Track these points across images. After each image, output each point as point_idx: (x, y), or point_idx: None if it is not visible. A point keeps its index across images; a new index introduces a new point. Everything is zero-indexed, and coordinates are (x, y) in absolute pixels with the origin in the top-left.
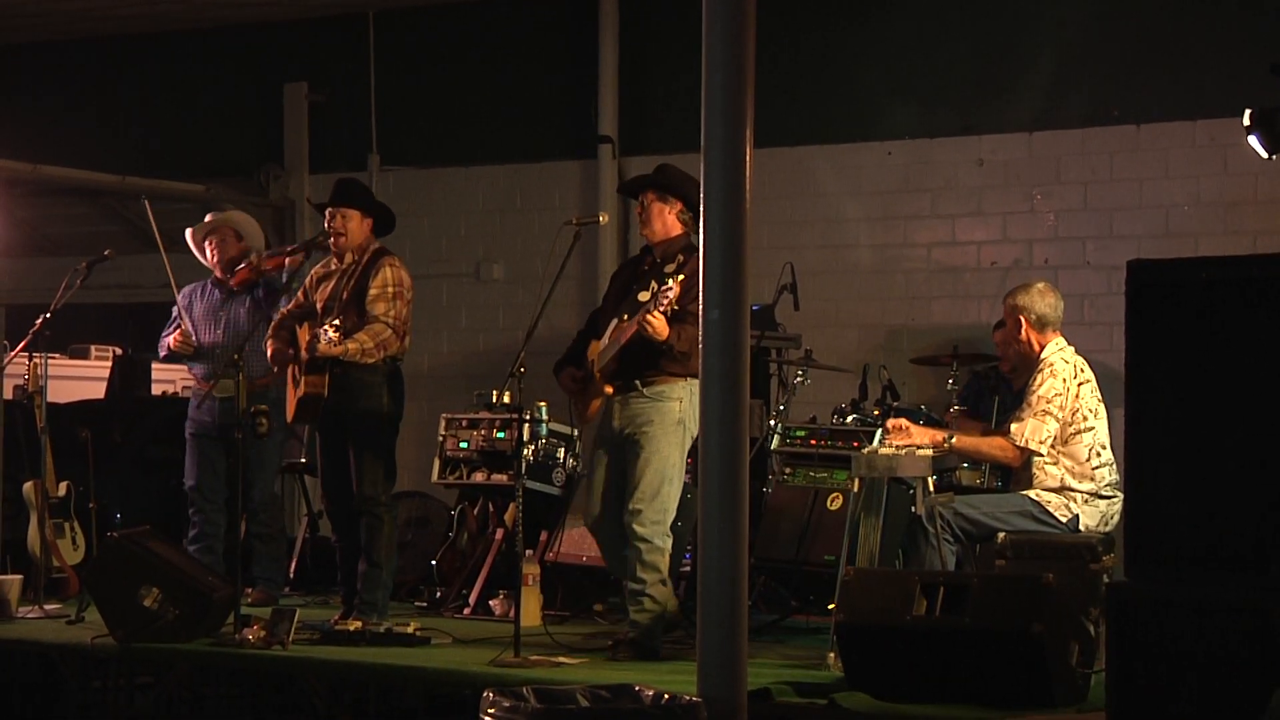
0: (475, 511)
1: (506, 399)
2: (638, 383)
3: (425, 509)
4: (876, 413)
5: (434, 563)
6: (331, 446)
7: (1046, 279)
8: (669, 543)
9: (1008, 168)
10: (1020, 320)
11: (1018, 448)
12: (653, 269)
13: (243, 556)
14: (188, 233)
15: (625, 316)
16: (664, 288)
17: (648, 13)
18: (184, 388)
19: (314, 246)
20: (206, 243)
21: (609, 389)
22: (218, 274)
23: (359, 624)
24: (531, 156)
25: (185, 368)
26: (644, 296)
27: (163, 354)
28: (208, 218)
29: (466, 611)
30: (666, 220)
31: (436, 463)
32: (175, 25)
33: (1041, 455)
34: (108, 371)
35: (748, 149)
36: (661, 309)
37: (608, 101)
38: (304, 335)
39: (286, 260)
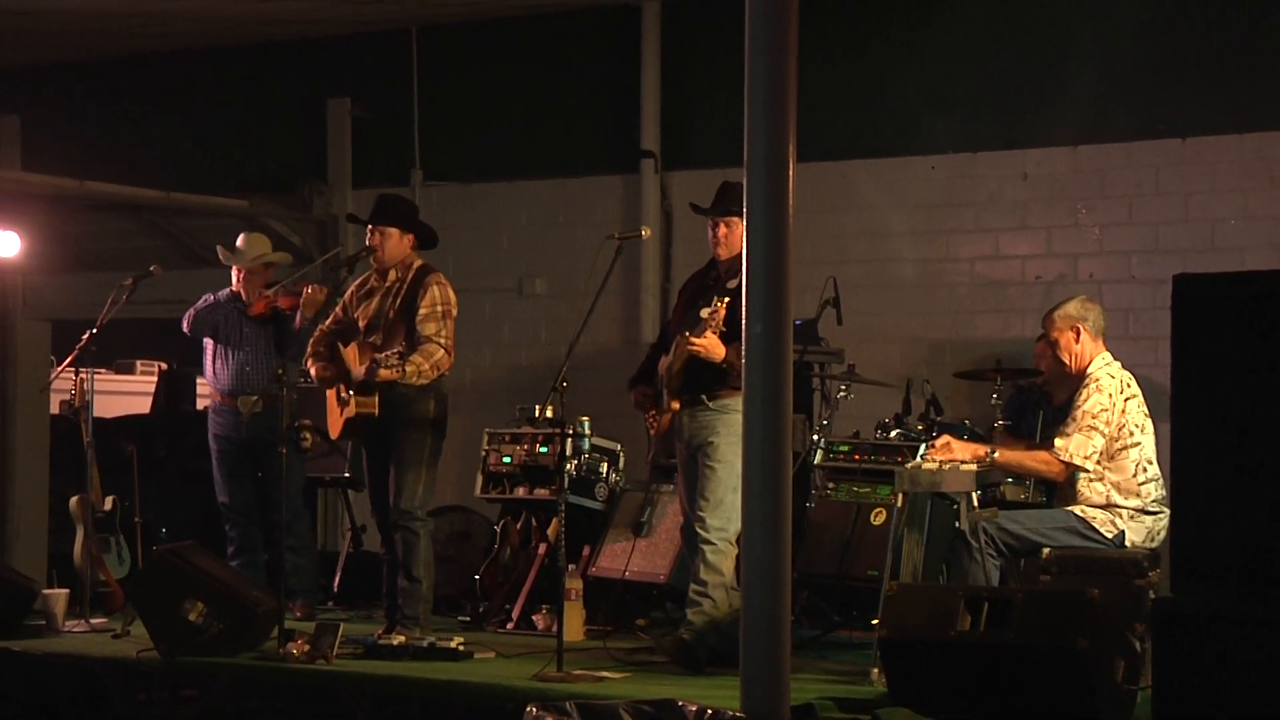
0: (518, 526)
1: (549, 414)
2: (703, 397)
3: (468, 524)
4: (920, 427)
5: (477, 577)
6: (377, 461)
7: (1091, 293)
8: (733, 551)
9: (1052, 181)
10: (1078, 329)
11: (1062, 462)
12: (716, 284)
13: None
14: (221, 252)
15: (687, 334)
16: (711, 311)
17: (690, 27)
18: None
19: (353, 261)
20: (236, 270)
21: (675, 404)
22: (237, 288)
23: (402, 638)
24: (574, 171)
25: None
26: (706, 313)
27: (206, 310)
28: (240, 241)
29: (510, 626)
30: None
31: (479, 477)
32: (219, 42)
33: (1087, 470)
34: (153, 386)
35: (790, 163)
36: (711, 330)
37: (650, 116)
38: (350, 354)
39: (302, 299)
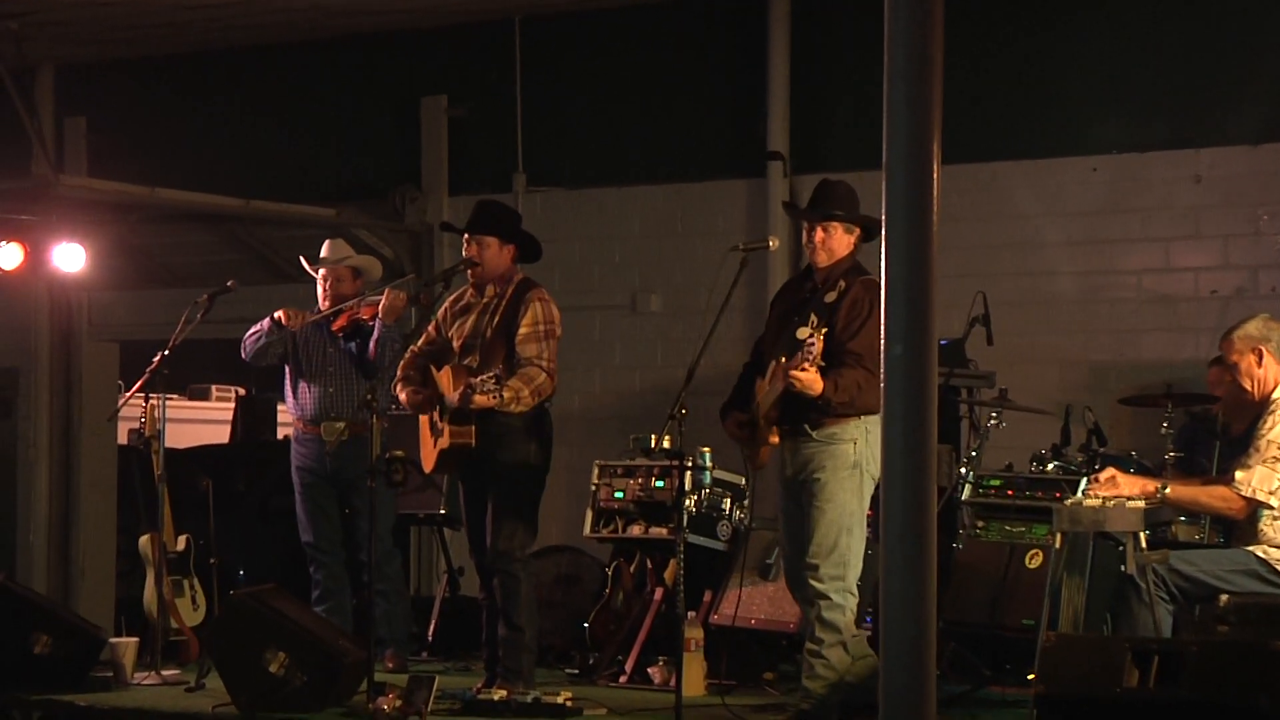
0: (632, 568)
1: (666, 444)
2: (806, 426)
3: (576, 565)
4: (1081, 459)
5: (586, 625)
6: (475, 497)
7: (1273, 310)
8: (852, 601)
9: (1229, 184)
10: (1260, 352)
11: (1243, 498)
12: (813, 297)
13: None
14: (304, 262)
15: (784, 358)
16: (809, 341)
17: (823, 15)
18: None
19: (449, 274)
20: (320, 277)
21: (774, 438)
22: (325, 307)
23: (504, 693)
24: (693, 175)
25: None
26: (803, 333)
27: (253, 342)
28: (325, 249)
29: (623, 679)
30: (845, 245)
31: (589, 514)
32: (302, 35)
33: (1271, 507)
34: (230, 414)
35: (935, 166)
36: (808, 364)
37: (778, 114)
38: (444, 379)
39: (381, 307)
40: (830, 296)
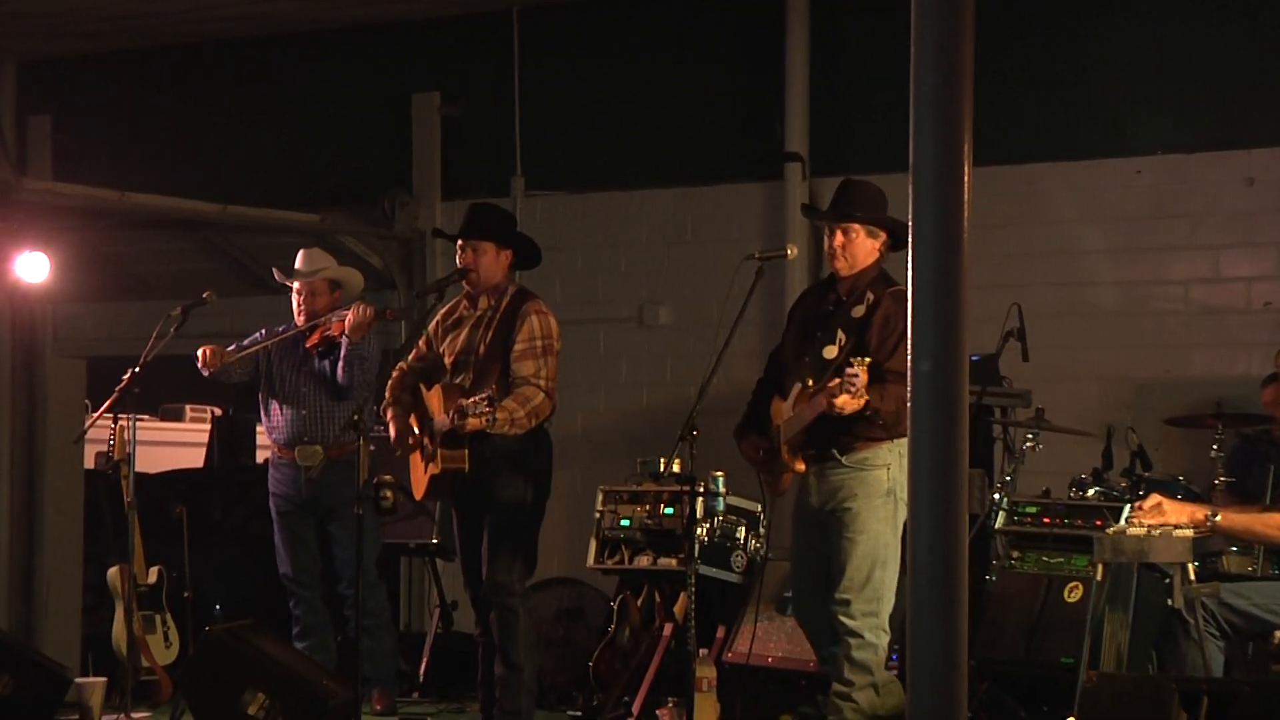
0: (639, 602)
1: (676, 468)
2: (835, 451)
3: (579, 599)
4: (1124, 484)
5: (590, 663)
6: (470, 525)
7: None
8: (885, 639)
9: None
10: None
11: None
12: (838, 310)
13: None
14: (277, 273)
15: (810, 381)
16: (849, 374)
17: (845, 5)
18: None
19: (443, 285)
20: (295, 290)
21: (800, 465)
22: (299, 323)
23: None
24: (705, 178)
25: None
26: (830, 352)
27: (200, 366)
28: (299, 260)
29: None
30: (869, 252)
31: (593, 544)
32: (285, 28)
33: None
34: (205, 436)
35: (966, 167)
36: (849, 395)
37: (796, 111)
38: (434, 400)
39: (347, 323)
40: (858, 311)
